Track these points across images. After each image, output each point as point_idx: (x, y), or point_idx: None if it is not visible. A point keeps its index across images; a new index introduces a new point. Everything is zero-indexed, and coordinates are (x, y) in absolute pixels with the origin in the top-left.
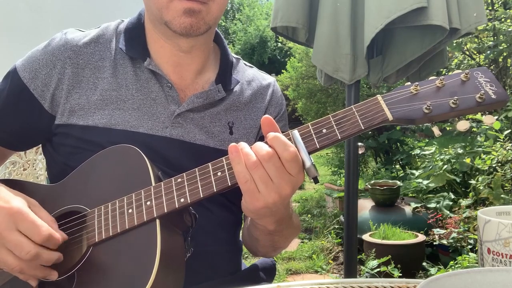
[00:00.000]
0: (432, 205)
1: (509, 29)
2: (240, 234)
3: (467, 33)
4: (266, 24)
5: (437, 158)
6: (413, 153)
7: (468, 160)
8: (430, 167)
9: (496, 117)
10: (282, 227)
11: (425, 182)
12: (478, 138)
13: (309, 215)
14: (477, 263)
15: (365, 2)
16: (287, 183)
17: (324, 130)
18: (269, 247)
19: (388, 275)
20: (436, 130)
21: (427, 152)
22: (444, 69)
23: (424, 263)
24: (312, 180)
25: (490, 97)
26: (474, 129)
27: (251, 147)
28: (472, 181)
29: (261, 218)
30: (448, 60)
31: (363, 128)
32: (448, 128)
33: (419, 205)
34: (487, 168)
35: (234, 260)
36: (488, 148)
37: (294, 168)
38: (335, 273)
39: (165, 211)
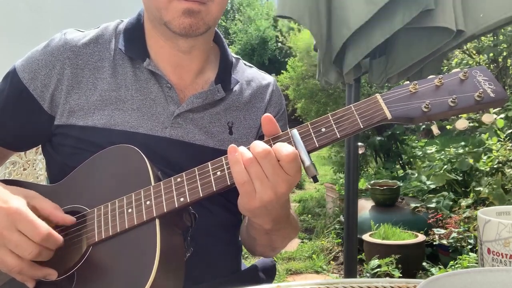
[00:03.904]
0: (432, 205)
1: (509, 29)
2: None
3: (473, 35)
4: (266, 26)
5: (437, 158)
6: (413, 153)
7: (471, 161)
8: (430, 167)
9: (495, 116)
10: (279, 226)
11: (425, 182)
12: (482, 135)
13: (309, 215)
14: (477, 263)
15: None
16: (284, 182)
17: (323, 129)
18: (267, 247)
19: (388, 275)
20: (435, 129)
21: (428, 151)
22: (445, 67)
23: (424, 263)
24: (311, 179)
25: (489, 95)
26: (480, 128)
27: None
28: (473, 183)
29: (257, 216)
30: (448, 60)
31: (362, 127)
32: (448, 127)
33: (419, 205)
34: (488, 169)
35: (234, 260)
36: (489, 145)
37: (293, 168)
38: (335, 273)
39: (165, 210)
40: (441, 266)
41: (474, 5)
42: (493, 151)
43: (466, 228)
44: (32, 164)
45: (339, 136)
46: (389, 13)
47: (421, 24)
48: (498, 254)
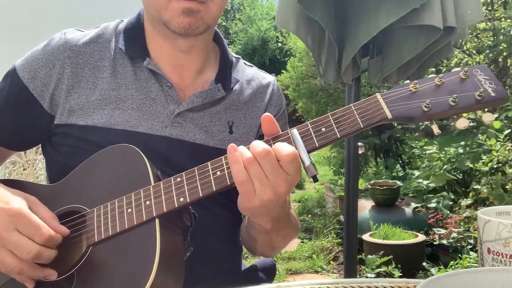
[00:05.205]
0: (432, 205)
1: (509, 29)
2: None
3: (461, 32)
4: (267, 26)
5: (437, 158)
6: (413, 153)
7: (470, 162)
8: (430, 167)
9: (495, 115)
10: (279, 226)
11: (425, 182)
12: (480, 136)
13: (309, 215)
14: (477, 263)
15: None
16: (283, 182)
17: (323, 129)
18: (267, 246)
19: (388, 275)
20: (435, 129)
21: (428, 151)
22: (445, 67)
23: (424, 263)
24: (311, 179)
25: (490, 95)
26: (479, 127)
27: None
28: (476, 185)
29: (256, 216)
30: (448, 59)
31: (362, 126)
32: (451, 124)
33: (419, 205)
34: (487, 169)
35: (234, 260)
36: (489, 146)
37: (292, 168)
38: (335, 273)
39: (164, 210)
40: (441, 266)
41: (464, 1)
42: (493, 151)
43: (466, 228)
44: (32, 164)
45: (339, 136)
46: (375, 12)
47: (408, 23)
48: (498, 254)
